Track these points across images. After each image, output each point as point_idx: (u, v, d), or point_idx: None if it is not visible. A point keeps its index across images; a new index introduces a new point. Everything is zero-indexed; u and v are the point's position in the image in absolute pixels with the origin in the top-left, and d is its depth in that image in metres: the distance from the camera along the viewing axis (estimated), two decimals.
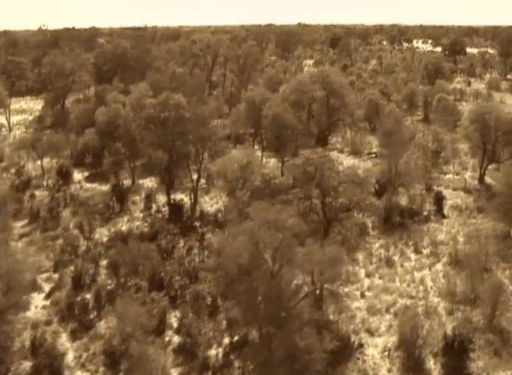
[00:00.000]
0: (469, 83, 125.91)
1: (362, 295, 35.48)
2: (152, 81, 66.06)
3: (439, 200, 49.09)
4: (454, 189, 54.68)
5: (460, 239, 43.29)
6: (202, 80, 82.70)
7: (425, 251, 41.54)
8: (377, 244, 42.79)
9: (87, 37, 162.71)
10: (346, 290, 35.80)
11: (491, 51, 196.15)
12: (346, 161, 65.98)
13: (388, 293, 35.55)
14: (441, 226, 46.21)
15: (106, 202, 50.48)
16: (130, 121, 49.48)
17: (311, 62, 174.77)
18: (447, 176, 59.29)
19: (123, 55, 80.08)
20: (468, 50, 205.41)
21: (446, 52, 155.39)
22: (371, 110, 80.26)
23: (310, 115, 55.04)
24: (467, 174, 60.02)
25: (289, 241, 20.99)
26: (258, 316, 21.37)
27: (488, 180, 56.36)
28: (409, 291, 35.94)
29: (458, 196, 52.93)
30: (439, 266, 39.30)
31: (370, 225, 46.01)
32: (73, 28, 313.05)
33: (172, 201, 48.56)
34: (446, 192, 53.49)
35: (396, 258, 40.57)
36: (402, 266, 39.39)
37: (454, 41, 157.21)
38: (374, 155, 66.55)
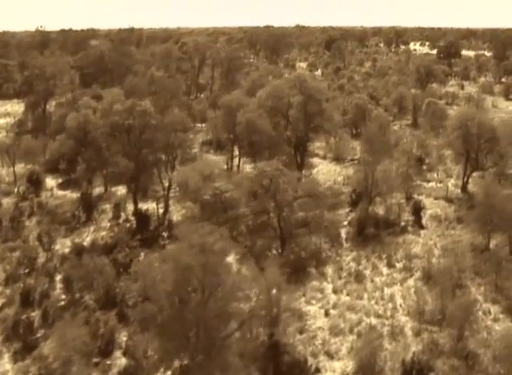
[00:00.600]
0: (462, 87, 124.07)
1: (326, 314, 33.64)
2: (130, 85, 64.34)
3: (418, 210, 47.26)
4: (436, 198, 52.79)
5: (436, 252, 41.52)
6: (183, 84, 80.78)
7: (398, 265, 39.69)
8: (349, 257, 40.97)
9: (80, 39, 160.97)
10: (311, 308, 34.20)
11: (488, 53, 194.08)
12: (328, 167, 64.42)
13: (354, 311, 33.69)
14: (417, 237, 44.32)
15: (73, 211, 48.83)
16: (98, 128, 47.85)
17: (305, 64, 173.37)
18: (430, 184, 57.40)
19: (101, 59, 78.39)
20: (466, 52, 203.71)
21: (441, 55, 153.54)
22: (358, 115, 78.64)
23: (287, 121, 53.31)
24: (451, 182, 58.16)
25: (216, 266, 19.23)
26: (189, 346, 19.62)
27: (472, 188, 54.53)
28: (376, 309, 34.08)
29: (439, 205, 51.05)
30: (411, 282, 37.43)
31: (344, 236, 44.34)
32: (70, 29, 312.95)
33: (139, 210, 46.84)
34: (427, 201, 51.74)
35: (367, 272, 38.74)
36: (372, 281, 37.53)
37: (449, 43, 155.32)
38: (357, 162, 64.79)
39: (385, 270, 39.09)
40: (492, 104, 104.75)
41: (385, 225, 45.47)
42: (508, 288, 35.90)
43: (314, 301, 34.99)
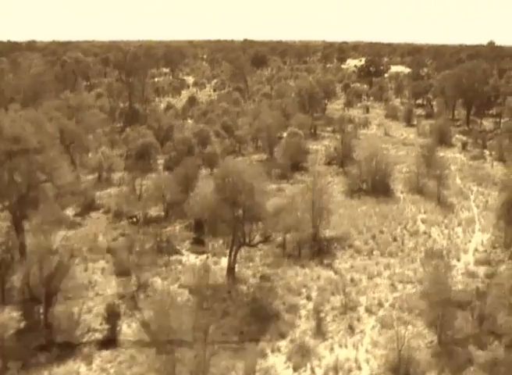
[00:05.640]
0: (368, 110, 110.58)
1: None
2: None
3: (115, 315, 32.07)
4: (181, 286, 37.42)
5: None
6: None
7: None
8: None
9: None
10: None
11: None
12: (95, 227, 49.14)
13: None
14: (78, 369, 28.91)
15: None
16: None
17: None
18: (199, 258, 42.34)
19: None
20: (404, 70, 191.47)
21: (361, 73, 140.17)
22: (183, 153, 63.89)
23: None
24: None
25: None
26: None
27: (244, 270, 39.81)
28: None
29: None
30: None
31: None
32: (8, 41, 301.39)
33: None
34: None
35: None
36: None
37: (369, 61, 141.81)
38: (134, 219, 49.94)
39: None
40: (385, 132, 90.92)
41: (48, 344, 30.19)
42: None
43: None
